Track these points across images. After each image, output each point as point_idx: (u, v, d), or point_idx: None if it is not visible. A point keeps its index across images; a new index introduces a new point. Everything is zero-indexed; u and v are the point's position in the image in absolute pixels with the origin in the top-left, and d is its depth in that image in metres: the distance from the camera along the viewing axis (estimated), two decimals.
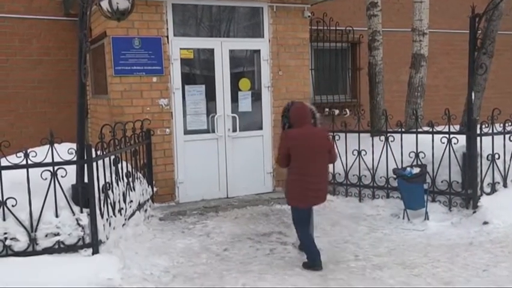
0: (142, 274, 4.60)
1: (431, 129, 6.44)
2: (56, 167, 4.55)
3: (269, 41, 7.57)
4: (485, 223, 5.81)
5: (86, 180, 4.66)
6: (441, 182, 6.40)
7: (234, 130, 7.38)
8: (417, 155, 6.51)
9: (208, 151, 7.26)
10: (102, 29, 6.91)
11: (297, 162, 4.75)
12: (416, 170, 6.27)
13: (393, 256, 5.10)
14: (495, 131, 6.26)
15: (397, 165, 6.61)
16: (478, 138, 6.19)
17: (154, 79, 6.91)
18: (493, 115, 6.24)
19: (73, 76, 6.87)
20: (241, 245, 5.55)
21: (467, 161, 6.25)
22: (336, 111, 7.64)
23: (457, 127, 6.53)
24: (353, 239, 5.71)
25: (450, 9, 10.89)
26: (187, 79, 7.21)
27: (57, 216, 4.57)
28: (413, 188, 6.19)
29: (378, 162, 6.87)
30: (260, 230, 6.10)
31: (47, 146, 4.56)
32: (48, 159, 4.54)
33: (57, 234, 4.54)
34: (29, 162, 4.47)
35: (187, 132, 7.18)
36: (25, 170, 4.43)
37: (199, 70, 7.45)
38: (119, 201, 5.30)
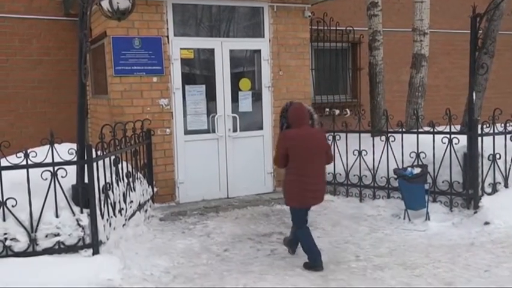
0: (142, 274, 4.60)
1: (432, 129, 6.43)
2: (56, 167, 4.55)
3: (269, 41, 7.56)
4: (487, 223, 5.80)
5: (86, 180, 4.66)
6: (442, 182, 6.39)
7: (235, 130, 7.37)
8: (418, 155, 6.51)
9: (209, 151, 7.25)
10: (102, 29, 6.90)
11: (295, 162, 4.75)
12: (417, 170, 6.25)
13: (394, 256, 5.09)
14: (496, 131, 6.25)
15: (398, 166, 6.60)
16: (479, 138, 6.19)
17: (154, 79, 6.90)
18: (494, 115, 6.24)
19: (73, 76, 6.85)
20: (241, 246, 5.54)
21: (468, 161, 6.25)
22: (337, 111, 7.62)
23: (458, 127, 6.51)
24: (353, 239, 5.70)
25: (451, 9, 10.89)
26: (188, 79, 7.19)
27: (57, 216, 4.57)
28: (413, 188, 6.17)
29: (379, 163, 6.87)
30: (261, 231, 6.09)
31: (47, 146, 4.56)
32: (49, 160, 4.54)
33: (58, 235, 4.54)
34: (29, 162, 4.46)
35: (187, 132, 7.16)
36: (25, 170, 4.43)
37: (199, 70, 7.44)
38: (119, 202, 5.30)
